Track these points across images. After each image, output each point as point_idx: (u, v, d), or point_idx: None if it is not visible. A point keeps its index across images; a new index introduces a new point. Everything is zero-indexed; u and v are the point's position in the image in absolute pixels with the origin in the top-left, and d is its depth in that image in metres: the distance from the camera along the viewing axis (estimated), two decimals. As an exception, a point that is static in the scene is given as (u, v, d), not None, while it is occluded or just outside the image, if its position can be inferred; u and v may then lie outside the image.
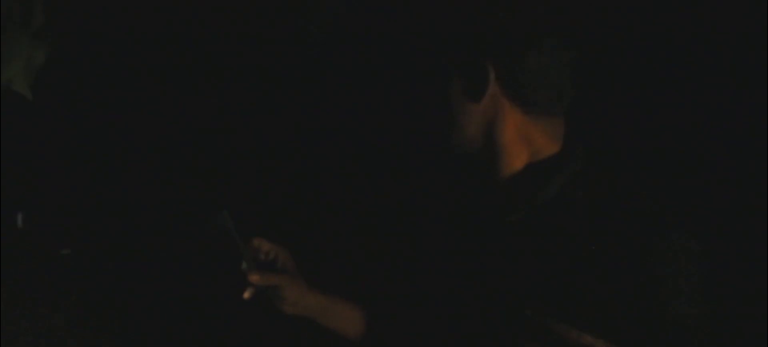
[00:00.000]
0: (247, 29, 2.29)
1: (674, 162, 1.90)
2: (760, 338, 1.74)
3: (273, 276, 1.53)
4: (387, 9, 2.15)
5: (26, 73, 2.28)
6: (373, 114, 2.20)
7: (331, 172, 2.25)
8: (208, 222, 1.50)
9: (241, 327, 2.14)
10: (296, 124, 2.28)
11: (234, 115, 2.32)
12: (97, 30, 2.32)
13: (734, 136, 1.86)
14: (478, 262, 1.44)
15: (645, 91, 1.94)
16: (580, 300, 1.32)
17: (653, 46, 1.93)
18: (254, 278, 1.51)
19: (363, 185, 2.18)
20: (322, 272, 1.61)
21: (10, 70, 2.26)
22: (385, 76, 2.13)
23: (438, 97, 1.42)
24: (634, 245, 1.30)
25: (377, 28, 2.18)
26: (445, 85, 1.41)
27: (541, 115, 1.41)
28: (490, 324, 1.41)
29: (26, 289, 2.30)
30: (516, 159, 1.42)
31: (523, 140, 1.41)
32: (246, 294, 1.52)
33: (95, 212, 2.35)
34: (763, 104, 1.86)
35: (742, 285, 1.77)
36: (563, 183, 1.40)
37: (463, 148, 1.43)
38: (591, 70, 1.43)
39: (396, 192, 2.07)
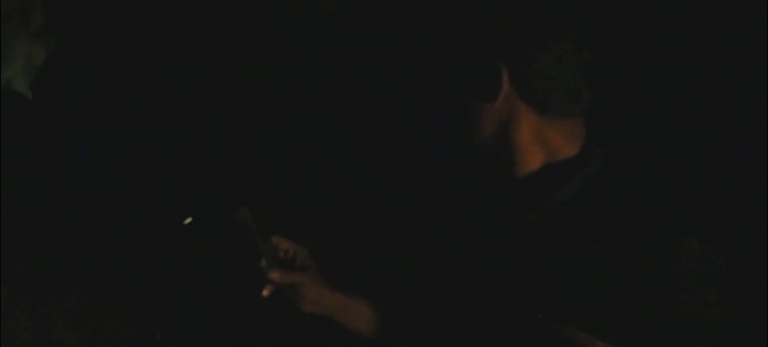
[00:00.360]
0: (250, 29, 2.29)
1: (692, 166, 1.91)
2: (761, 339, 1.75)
3: (294, 274, 1.54)
4: (402, 8, 2.15)
5: (26, 72, 2.27)
6: (390, 113, 2.20)
7: (346, 171, 2.25)
8: (227, 219, 1.50)
9: (253, 327, 2.14)
10: (314, 123, 2.28)
11: (245, 114, 2.32)
12: (97, 30, 2.31)
13: (754, 140, 1.87)
14: (491, 263, 1.44)
15: (664, 95, 1.95)
16: (592, 305, 1.33)
17: (672, 48, 1.94)
18: (275, 275, 1.51)
19: (378, 184, 2.18)
20: (339, 270, 1.62)
21: (10, 69, 2.25)
22: (402, 75, 2.13)
23: (453, 97, 1.42)
24: (649, 250, 1.31)
25: (393, 27, 2.18)
26: (460, 85, 1.41)
27: (557, 116, 1.41)
28: (502, 325, 1.41)
29: (26, 289, 2.30)
30: (532, 160, 1.42)
31: (539, 141, 1.41)
32: (265, 292, 1.53)
33: (102, 211, 2.34)
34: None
35: (759, 290, 1.78)
36: (580, 186, 1.40)
37: (478, 148, 1.43)
38: (612, 72, 1.44)
39: (410, 192, 2.07)
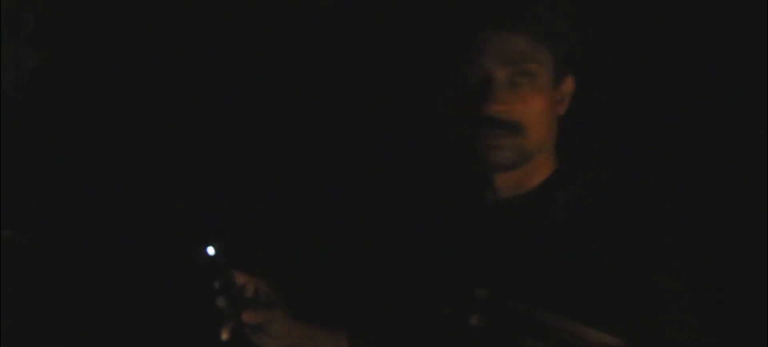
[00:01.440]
0: (250, 29, 2.29)
1: (689, 166, 1.92)
2: (761, 338, 1.76)
3: (264, 312, 1.39)
4: (402, 9, 2.15)
5: (16, 76, 2.28)
6: (391, 115, 2.19)
7: (346, 173, 2.25)
8: (194, 256, 1.36)
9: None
10: (314, 123, 2.28)
11: (245, 114, 2.31)
12: (97, 30, 2.32)
13: (729, 138, 1.88)
14: (487, 273, 1.41)
15: (665, 95, 1.95)
16: (586, 304, 1.32)
17: (673, 49, 1.94)
18: (249, 317, 1.36)
19: (374, 200, 2.15)
20: (320, 291, 1.55)
21: (5, 72, 2.26)
22: (402, 76, 2.13)
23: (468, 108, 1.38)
24: (631, 248, 1.31)
25: (393, 28, 2.17)
26: (540, 97, 1.38)
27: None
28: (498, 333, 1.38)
29: (26, 289, 2.30)
30: (544, 167, 1.42)
31: (552, 150, 1.43)
32: (224, 335, 1.37)
33: (101, 211, 2.35)
34: (763, 105, 1.88)
35: (741, 287, 1.79)
36: (570, 193, 1.40)
37: (525, 155, 1.39)
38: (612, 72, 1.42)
39: (408, 198, 2.05)
